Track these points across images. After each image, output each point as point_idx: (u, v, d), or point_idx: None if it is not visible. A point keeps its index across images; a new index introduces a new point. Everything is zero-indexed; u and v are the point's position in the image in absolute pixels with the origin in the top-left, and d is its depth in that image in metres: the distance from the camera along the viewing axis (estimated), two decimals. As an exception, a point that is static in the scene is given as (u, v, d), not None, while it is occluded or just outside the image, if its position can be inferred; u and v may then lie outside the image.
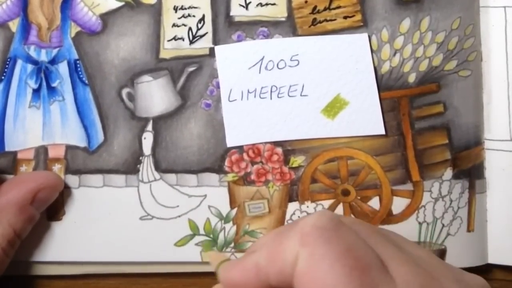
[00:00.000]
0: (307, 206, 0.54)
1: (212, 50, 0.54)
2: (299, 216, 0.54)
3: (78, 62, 0.54)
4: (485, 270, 0.55)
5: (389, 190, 0.54)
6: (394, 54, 0.55)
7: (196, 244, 0.53)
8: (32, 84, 0.54)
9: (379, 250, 0.36)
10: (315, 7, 0.55)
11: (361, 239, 0.37)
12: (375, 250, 0.36)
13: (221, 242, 0.54)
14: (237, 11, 0.55)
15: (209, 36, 0.55)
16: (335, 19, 0.55)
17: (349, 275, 0.34)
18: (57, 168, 0.54)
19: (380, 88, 0.54)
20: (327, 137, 0.54)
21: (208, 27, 0.55)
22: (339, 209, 0.54)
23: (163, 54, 0.54)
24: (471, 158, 0.55)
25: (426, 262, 0.37)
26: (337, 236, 0.36)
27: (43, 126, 0.54)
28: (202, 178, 0.54)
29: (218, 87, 0.54)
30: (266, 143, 0.54)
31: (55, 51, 0.54)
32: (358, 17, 0.55)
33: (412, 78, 0.55)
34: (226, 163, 0.54)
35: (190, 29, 0.55)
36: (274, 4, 0.55)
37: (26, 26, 0.54)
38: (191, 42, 0.55)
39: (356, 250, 0.35)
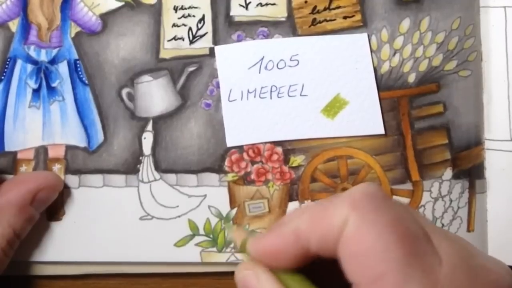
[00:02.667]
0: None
1: (212, 50, 0.55)
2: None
3: (78, 62, 0.54)
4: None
5: (388, 190, 0.54)
6: (394, 54, 0.55)
7: (196, 245, 0.53)
8: (32, 84, 0.54)
9: (422, 223, 0.37)
10: (315, 7, 0.55)
11: (409, 211, 0.37)
12: (420, 223, 0.37)
13: (220, 243, 0.54)
14: (237, 11, 0.55)
15: (209, 36, 0.55)
16: (334, 19, 0.55)
17: (398, 242, 0.34)
18: (57, 168, 0.54)
19: (379, 88, 0.54)
20: (327, 137, 0.54)
21: (208, 27, 0.55)
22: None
23: (163, 54, 0.55)
24: (471, 158, 0.55)
25: (461, 240, 0.38)
26: (387, 205, 0.36)
27: (43, 126, 0.54)
28: (202, 178, 0.54)
29: (218, 87, 0.54)
30: (266, 142, 0.54)
31: (55, 51, 0.54)
32: (358, 17, 0.55)
33: (411, 78, 0.55)
34: (226, 163, 0.54)
35: (190, 29, 0.55)
36: (274, 4, 0.55)
37: (26, 26, 0.54)
38: (191, 42, 0.55)
39: (405, 220, 0.36)
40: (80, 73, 0.54)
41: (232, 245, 0.53)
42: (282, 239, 0.38)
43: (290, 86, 0.54)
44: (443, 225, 0.54)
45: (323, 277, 0.38)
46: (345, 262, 0.36)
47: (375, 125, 0.54)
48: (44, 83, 0.54)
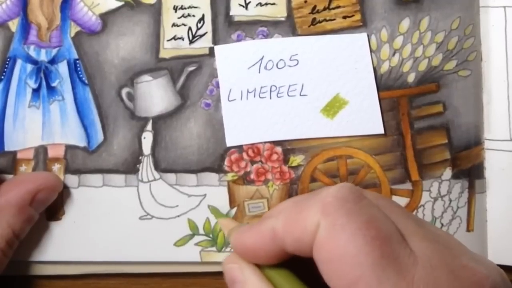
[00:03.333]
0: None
1: (211, 50, 0.55)
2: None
3: (77, 62, 0.54)
4: (485, 270, 0.55)
5: (388, 189, 0.54)
6: (394, 54, 0.55)
7: (196, 244, 0.53)
8: (32, 84, 0.54)
9: (399, 224, 0.36)
10: (314, 7, 0.55)
11: (382, 212, 0.37)
12: (396, 224, 0.36)
13: (220, 242, 0.54)
14: (236, 11, 0.55)
15: (209, 35, 0.55)
16: (334, 19, 0.55)
17: (370, 244, 0.34)
18: (57, 168, 0.53)
19: (379, 88, 0.54)
20: (327, 137, 0.54)
21: (207, 26, 0.55)
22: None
23: (163, 54, 0.55)
24: (471, 158, 0.55)
25: (445, 239, 0.37)
26: (359, 208, 0.36)
27: (43, 125, 0.54)
28: (201, 178, 0.54)
29: (217, 86, 0.54)
30: (265, 142, 0.54)
31: (54, 51, 0.54)
32: (358, 17, 0.55)
33: (411, 78, 0.55)
34: (226, 162, 0.54)
35: (189, 28, 0.55)
36: (273, 4, 0.55)
37: (26, 26, 0.54)
38: (190, 42, 0.55)
39: (377, 222, 0.35)
40: (80, 73, 0.54)
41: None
42: (259, 237, 0.39)
43: (289, 85, 0.54)
44: (442, 225, 0.54)
45: (310, 269, 0.38)
46: (320, 267, 0.36)
47: (374, 125, 0.54)
48: (44, 83, 0.54)
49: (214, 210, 0.53)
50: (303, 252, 0.37)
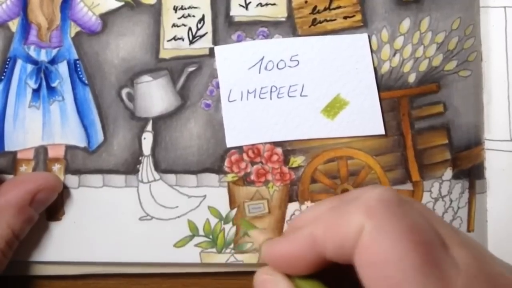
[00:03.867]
0: (307, 207, 0.54)
1: (212, 50, 0.54)
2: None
3: (78, 62, 0.54)
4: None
5: (388, 190, 0.54)
6: (394, 54, 0.55)
7: (196, 245, 0.53)
8: (32, 84, 0.54)
9: (439, 230, 0.36)
10: (315, 7, 0.55)
11: (424, 217, 0.37)
12: (436, 230, 0.36)
13: (220, 243, 0.54)
14: (237, 11, 0.55)
15: (209, 36, 0.55)
16: (335, 19, 0.55)
17: (415, 250, 0.34)
18: (57, 168, 0.53)
19: (380, 88, 0.54)
20: (327, 137, 0.54)
21: (208, 27, 0.55)
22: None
23: (163, 54, 0.54)
24: (471, 158, 0.55)
25: (478, 247, 0.37)
26: (402, 211, 0.36)
27: (43, 126, 0.54)
28: (201, 179, 0.54)
29: (218, 87, 0.54)
30: (266, 143, 0.54)
31: (55, 51, 0.54)
32: (358, 17, 0.55)
33: (412, 78, 0.55)
34: (226, 163, 0.54)
35: (190, 29, 0.55)
36: (274, 4, 0.55)
37: (26, 26, 0.54)
38: (191, 42, 0.55)
39: (420, 227, 0.36)
40: (80, 73, 0.54)
41: (231, 246, 0.53)
42: (297, 245, 0.38)
43: (290, 86, 0.54)
44: (443, 225, 0.54)
45: (338, 281, 0.38)
46: (361, 270, 0.35)
47: (375, 125, 0.54)
48: (44, 83, 0.54)
49: (214, 211, 0.53)
50: (343, 258, 0.36)
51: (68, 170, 0.54)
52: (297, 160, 0.54)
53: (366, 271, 0.35)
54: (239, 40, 0.55)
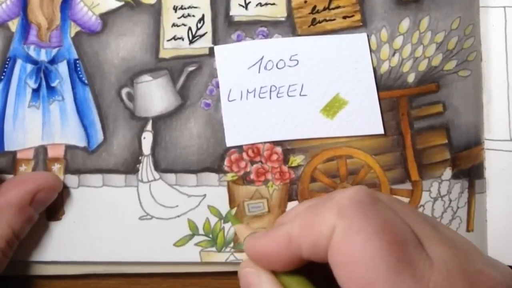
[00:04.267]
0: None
1: (211, 50, 0.55)
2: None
3: (77, 61, 0.54)
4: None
5: (388, 189, 0.54)
6: (393, 54, 0.55)
7: (196, 244, 0.53)
8: (32, 83, 0.54)
9: (415, 228, 0.36)
10: (314, 7, 0.55)
11: (398, 216, 0.37)
12: (411, 227, 0.36)
13: (220, 242, 0.54)
14: (236, 11, 0.55)
15: (209, 35, 0.55)
16: (334, 19, 0.55)
17: (387, 249, 0.34)
18: (57, 168, 0.53)
19: (379, 88, 0.54)
20: (327, 137, 0.54)
21: (207, 26, 0.55)
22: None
23: (163, 54, 0.55)
24: (471, 158, 0.55)
25: (461, 243, 0.37)
26: (375, 211, 0.36)
27: (43, 125, 0.54)
28: (201, 178, 0.54)
29: (217, 86, 0.54)
30: (265, 142, 0.54)
31: (54, 51, 0.54)
32: (358, 17, 0.55)
33: (411, 78, 0.55)
34: (226, 162, 0.54)
35: (189, 28, 0.55)
36: (273, 4, 0.55)
37: (25, 26, 0.54)
38: (190, 42, 0.55)
39: (393, 226, 0.35)
40: (79, 73, 0.54)
41: (231, 245, 0.53)
42: (274, 244, 0.38)
43: (289, 86, 0.54)
44: (442, 225, 0.54)
45: (325, 276, 0.38)
46: (335, 270, 0.35)
47: (374, 125, 0.54)
48: (43, 82, 0.54)
49: (214, 210, 0.53)
50: (318, 257, 0.37)
51: (68, 170, 0.54)
52: (297, 159, 0.54)
53: (339, 271, 0.35)
54: (238, 39, 0.55)
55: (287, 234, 0.38)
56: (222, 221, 0.53)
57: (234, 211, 0.54)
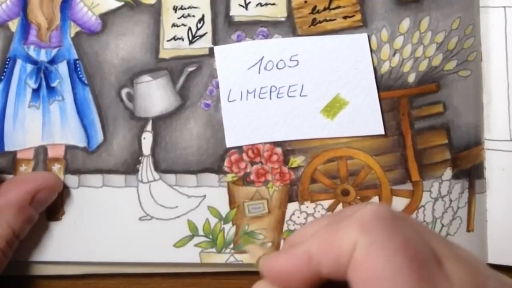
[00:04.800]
0: (307, 207, 0.54)
1: (211, 50, 0.54)
2: (298, 217, 0.54)
3: (77, 62, 0.54)
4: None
5: (388, 190, 0.54)
6: (394, 54, 0.55)
7: (195, 245, 0.53)
8: (32, 84, 0.54)
9: (433, 246, 0.36)
10: (314, 7, 0.55)
11: (418, 233, 0.36)
12: (430, 245, 0.36)
13: (220, 243, 0.54)
14: (236, 11, 0.55)
15: (209, 36, 0.55)
16: (334, 19, 0.55)
17: (409, 266, 0.34)
18: (57, 168, 0.54)
19: (379, 88, 0.54)
20: (327, 137, 0.54)
21: (207, 27, 0.55)
22: (339, 209, 0.54)
23: (163, 54, 0.54)
24: (471, 158, 0.55)
25: (474, 261, 0.37)
26: (397, 227, 0.36)
27: (43, 126, 0.54)
28: (201, 179, 0.54)
29: (217, 87, 0.54)
30: (265, 143, 0.54)
31: (54, 51, 0.54)
32: (358, 17, 0.55)
33: (411, 78, 0.55)
34: (226, 163, 0.54)
35: (189, 29, 0.55)
36: (273, 4, 0.55)
37: (25, 26, 0.54)
38: (190, 42, 0.55)
39: (415, 243, 0.35)
40: (79, 73, 0.54)
41: (231, 246, 0.53)
42: (293, 262, 0.38)
43: (289, 86, 0.54)
44: (443, 225, 0.54)
45: None
46: (356, 286, 0.35)
47: (375, 125, 0.54)
48: (43, 83, 0.54)
49: (214, 211, 0.53)
50: (338, 274, 0.36)
51: (68, 170, 0.54)
52: (297, 160, 0.54)
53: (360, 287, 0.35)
54: (238, 40, 0.55)
55: (307, 252, 0.37)
56: (222, 222, 0.53)
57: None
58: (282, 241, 0.54)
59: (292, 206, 0.54)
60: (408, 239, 0.35)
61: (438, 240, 0.37)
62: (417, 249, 0.35)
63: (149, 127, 0.54)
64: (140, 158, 0.54)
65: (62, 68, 0.54)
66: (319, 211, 0.54)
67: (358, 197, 0.54)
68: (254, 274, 0.52)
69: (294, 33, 0.55)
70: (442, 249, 0.36)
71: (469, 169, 0.55)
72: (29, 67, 0.54)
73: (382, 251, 0.34)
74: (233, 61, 0.54)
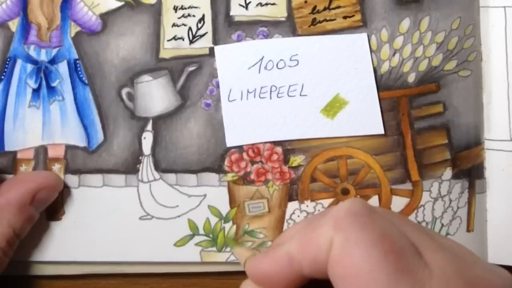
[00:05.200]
0: (307, 206, 0.54)
1: (212, 50, 0.54)
2: (298, 216, 0.54)
3: (78, 61, 0.54)
4: (485, 270, 0.55)
5: (388, 190, 0.54)
6: (394, 54, 0.55)
7: (196, 244, 0.53)
8: (32, 83, 0.54)
9: (412, 237, 0.36)
10: (314, 7, 0.55)
11: (395, 226, 0.37)
12: (408, 237, 0.36)
13: (220, 242, 0.54)
14: (237, 11, 0.55)
15: (209, 35, 0.55)
16: (334, 19, 0.55)
17: (385, 259, 0.34)
18: (57, 168, 0.53)
19: (379, 88, 0.54)
20: (327, 137, 0.54)
21: (208, 26, 0.55)
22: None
23: (163, 54, 0.54)
24: (471, 158, 0.55)
25: (458, 250, 0.37)
26: (371, 222, 0.36)
27: (43, 125, 0.54)
28: (201, 178, 0.54)
29: (218, 86, 0.54)
30: (265, 142, 0.54)
31: (55, 51, 0.54)
32: (358, 17, 0.55)
33: (411, 78, 0.55)
34: (226, 162, 0.54)
35: (190, 28, 0.55)
36: (273, 4, 0.55)
37: (26, 26, 0.54)
38: (191, 42, 0.55)
39: (390, 236, 0.35)
40: (80, 73, 0.54)
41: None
42: (275, 263, 0.38)
43: (289, 86, 0.54)
44: (442, 225, 0.54)
45: None
46: (335, 283, 0.35)
47: (374, 125, 0.54)
48: (44, 83, 0.54)
49: (214, 211, 0.53)
50: (319, 273, 0.36)
51: (68, 170, 0.54)
52: (297, 159, 0.54)
53: (340, 284, 0.35)
54: (239, 39, 0.55)
55: (287, 253, 0.38)
56: (223, 221, 0.53)
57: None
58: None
59: (292, 205, 0.54)
60: (383, 233, 0.35)
61: (418, 231, 0.37)
62: (393, 241, 0.35)
63: (149, 126, 0.54)
64: (140, 157, 0.54)
65: (62, 68, 0.54)
66: (319, 210, 0.54)
67: (358, 196, 0.54)
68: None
69: (294, 33, 0.55)
70: (422, 239, 0.36)
71: (469, 169, 0.55)
72: (29, 67, 0.54)
73: (357, 247, 0.35)
74: (234, 61, 0.54)
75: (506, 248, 0.54)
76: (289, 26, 0.55)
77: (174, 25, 0.55)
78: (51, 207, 0.52)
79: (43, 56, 0.54)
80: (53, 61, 0.54)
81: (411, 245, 0.36)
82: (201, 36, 0.55)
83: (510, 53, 0.55)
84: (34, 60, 0.54)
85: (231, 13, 0.55)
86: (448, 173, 0.55)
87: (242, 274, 0.53)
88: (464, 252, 0.37)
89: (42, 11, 0.55)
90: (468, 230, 0.54)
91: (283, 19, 0.55)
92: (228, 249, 0.53)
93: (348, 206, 0.37)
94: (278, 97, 0.54)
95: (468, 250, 0.38)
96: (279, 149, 0.54)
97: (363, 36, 0.55)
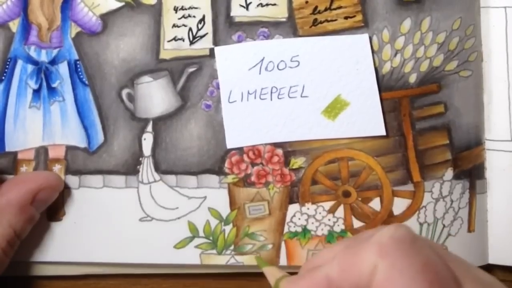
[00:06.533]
0: (308, 208, 0.54)
1: (212, 51, 0.54)
2: (299, 218, 0.54)
3: (78, 62, 0.54)
4: (486, 271, 0.55)
5: (390, 191, 0.54)
6: (395, 55, 0.55)
7: (196, 247, 0.53)
8: (33, 84, 0.54)
9: (452, 267, 0.36)
10: (315, 8, 0.55)
11: (438, 255, 0.36)
12: (449, 267, 0.36)
13: (220, 245, 0.54)
14: (237, 12, 0.55)
15: (209, 36, 0.55)
16: (336, 20, 0.55)
17: None
18: (57, 168, 0.54)
19: (381, 89, 0.54)
20: (328, 138, 0.54)
21: (208, 27, 0.55)
22: (340, 211, 0.54)
23: (163, 55, 0.54)
24: (472, 158, 0.55)
25: (490, 282, 0.37)
26: (416, 249, 0.36)
27: (43, 126, 0.54)
28: (202, 180, 0.54)
29: (218, 88, 0.54)
30: (266, 144, 0.54)
31: (55, 52, 0.54)
32: (359, 17, 0.55)
33: (413, 79, 0.55)
34: (226, 164, 0.54)
35: (190, 29, 0.55)
36: (274, 4, 0.55)
37: (26, 27, 0.54)
38: (191, 43, 0.55)
39: (434, 265, 0.35)
40: (80, 73, 0.54)
41: (232, 248, 0.53)
42: (314, 286, 0.38)
43: (290, 87, 0.54)
44: (444, 225, 0.54)
45: None
46: None
47: (376, 126, 0.54)
48: (44, 83, 0.54)
49: (214, 213, 0.53)
50: None
51: (68, 171, 0.54)
52: (298, 161, 0.54)
53: None
54: (239, 40, 0.55)
55: (327, 276, 0.37)
56: (223, 223, 0.53)
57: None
58: (283, 243, 0.54)
59: (293, 208, 0.54)
60: (427, 262, 0.35)
61: (457, 261, 0.37)
62: (436, 271, 0.35)
63: (149, 128, 0.54)
64: (140, 159, 0.54)
65: (63, 68, 0.54)
66: (320, 213, 0.54)
67: (359, 198, 0.54)
68: (254, 275, 0.52)
69: (295, 33, 0.55)
70: (461, 270, 0.36)
71: (470, 170, 0.55)
72: (30, 67, 0.54)
73: (402, 275, 0.34)
74: (234, 62, 0.54)
75: (506, 248, 0.55)
76: (290, 27, 0.55)
77: (174, 25, 0.55)
78: (52, 207, 0.53)
79: (44, 57, 0.54)
80: (53, 61, 0.54)
81: (453, 276, 0.35)
82: (202, 37, 0.55)
83: (511, 53, 0.55)
84: (35, 61, 0.54)
85: (232, 14, 0.55)
86: (449, 173, 0.54)
87: (241, 276, 0.54)
88: (496, 284, 0.37)
89: (43, 11, 0.55)
90: (469, 231, 0.55)
91: (284, 19, 0.55)
92: (228, 251, 0.53)
93: (392, 232, 0.36)
94: (278, 98, 0.54)
95: (497, 282, 0.38)
96: (279, 151, 0.54)
97: (365, 36, 0.55)
